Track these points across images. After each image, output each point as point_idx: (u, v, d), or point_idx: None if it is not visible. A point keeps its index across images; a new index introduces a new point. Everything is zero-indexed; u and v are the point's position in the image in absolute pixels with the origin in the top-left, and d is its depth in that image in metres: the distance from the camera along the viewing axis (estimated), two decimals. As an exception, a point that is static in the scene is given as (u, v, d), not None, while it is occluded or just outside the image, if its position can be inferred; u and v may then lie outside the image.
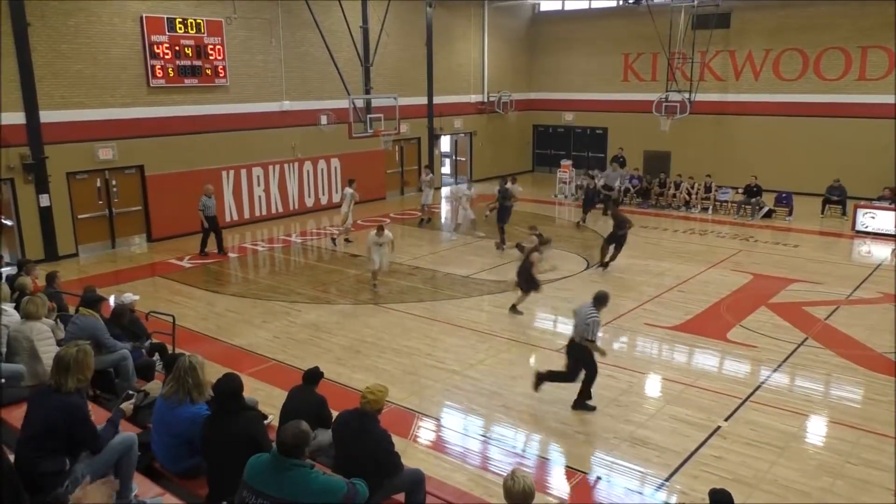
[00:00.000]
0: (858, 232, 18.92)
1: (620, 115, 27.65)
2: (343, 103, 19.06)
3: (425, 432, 8.45)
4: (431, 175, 21.48)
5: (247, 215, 19.99)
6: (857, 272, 15.25)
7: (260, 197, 20.42)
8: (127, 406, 5.64)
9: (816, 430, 8.64)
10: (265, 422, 6.44)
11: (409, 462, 6.39)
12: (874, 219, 18.83)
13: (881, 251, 17.40)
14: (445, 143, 28.63)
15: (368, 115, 19.13)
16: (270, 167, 20.65)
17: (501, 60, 28.77)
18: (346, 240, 17.63)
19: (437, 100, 25.51)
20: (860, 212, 19.11)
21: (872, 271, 15.43)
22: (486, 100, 28.11)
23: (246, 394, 5.80)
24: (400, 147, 24.96)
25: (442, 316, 12.46)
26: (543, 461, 7.84)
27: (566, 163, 25.46)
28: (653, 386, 9.83)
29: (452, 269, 15.54)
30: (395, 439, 6.05)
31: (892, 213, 18.61)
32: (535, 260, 12.23)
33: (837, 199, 21.08)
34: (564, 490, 7.26)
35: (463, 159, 28.71)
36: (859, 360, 10.51)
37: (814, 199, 21.57)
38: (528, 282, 12.35)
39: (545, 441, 8.20)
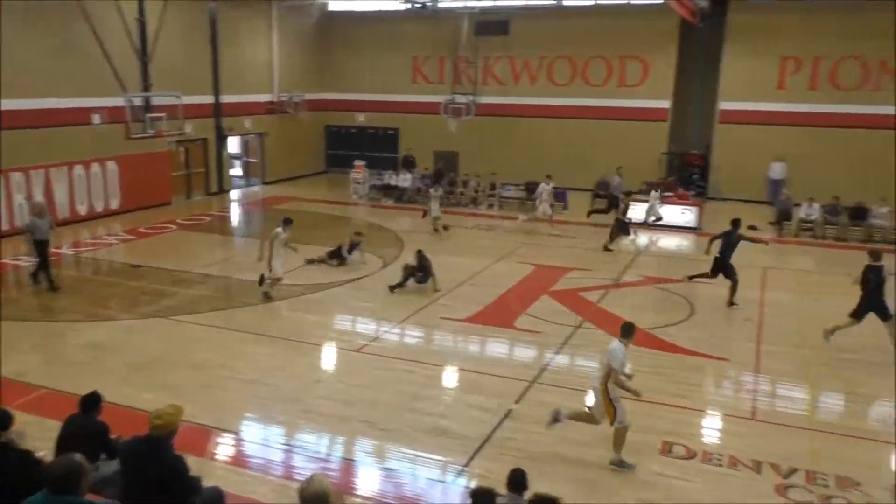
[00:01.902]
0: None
1: (411, 116, 28.42)
2: (120, 101, 17.64)
3: (224, 448, 8.13)
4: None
5: (6, 227, 17.77)
6: (622, 258, 17.00)
7: (21, 206, 18.22)
8: None
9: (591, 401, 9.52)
10: (37, 456, 5.82)
11: (207, 481, 6.13)
12: (635, 210, 21.03)
13: (642, 239, 19.56)
14: (235, 144, 27.59)
15: (148, 115, 17.91)
16: (33, 172, 18.55)
17: (292, 60, 28.28)
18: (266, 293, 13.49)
19: (224, 99, 24.49)
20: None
21: (635, 257, 17.30)
22: (276, 99, 27.49)
23: (17, 427, 5.22)
24: (185, 148, 23.63)
25: (238, 324, 12.03)
26: (349, 462, 7.88)
27: (359, 163, 25.65)
28: (450, 377, 10.25)
29: (247, 274, 15.03)
30: (192, 459, 5.77)
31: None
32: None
33: (604, 193, 23.33)
34: (371, 488, 7.36)
35: (255, 160, 27.84)
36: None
37: (584, 194, 23.68)
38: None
39: (349, 442, 8.24)
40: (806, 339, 11.85)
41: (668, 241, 19.52)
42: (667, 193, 21.56)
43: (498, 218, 21.88)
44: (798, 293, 14.55)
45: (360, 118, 30.16)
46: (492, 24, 25.88)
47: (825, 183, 21.27)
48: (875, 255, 11.45)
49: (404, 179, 24.59)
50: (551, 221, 19.81)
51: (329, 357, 10.96)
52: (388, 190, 24.77)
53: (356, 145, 30.01)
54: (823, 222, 19.82)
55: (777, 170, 23.79)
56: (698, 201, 21.73)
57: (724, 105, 24.66)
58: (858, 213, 19.77)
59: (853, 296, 11.88)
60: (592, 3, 24.98)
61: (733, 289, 13.36)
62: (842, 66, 23.01)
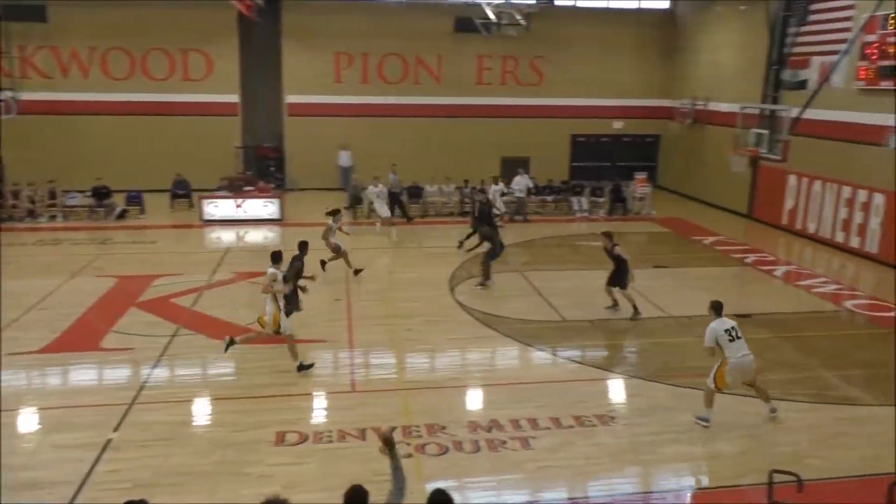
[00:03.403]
0: (206, 221, 20.64)
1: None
2: None
3: None
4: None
5: None
6: (211, 258, 16.68)
7: None
8: None
9: (202, 410, 9.27)
10: None
11: None
12: (217, 207, 20.84)
13: (229, 236, 19.43)
14: None
15: None
16: None
17: None
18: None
19: None
20: (205, 202, 20.86)
21: (224, 255, 17.13)
22: None
23: None
24: None
25: None
26: None
27: None
28: (28, 421, 8.89)
29: None
30: None
31: (232, 199, 20.92)
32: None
33: (183, 192, 22.51)
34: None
35: None
36: (224, 335, 11.61)
37: (162, 195, 22.52)
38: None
39: None
40: (388, 309, 13.24)
41: (255, 235, 19.76)
42: (248, 188, 21.73)
43: (65, 230, 19.46)
44: (375, 269, 16.10)
45: None
46: (24, 9, 22.63)
47: (387, 166, 23.83)
48: (609, 235, 13.17)
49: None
50: (389, 223, 19.44)
51: None
52: None
53: None
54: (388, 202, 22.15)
55: (344, 158, 25.81)
56: (279, 193, 22.40)
57: (290, 98, 25.72)
58: (415, 192, 22.59)
59: (424, 266, 13.66)
60: (141, -10, 23.59)
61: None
62: (386, 62, 25.88)
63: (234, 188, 21.69)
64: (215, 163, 24.01)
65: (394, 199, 21.15)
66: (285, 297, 10.83)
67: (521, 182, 22.06)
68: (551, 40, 26.14)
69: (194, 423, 8.89)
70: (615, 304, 13.18)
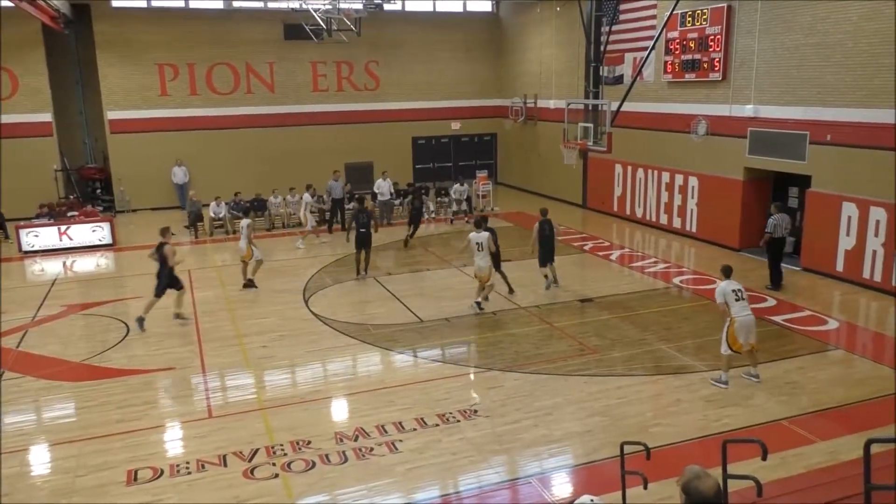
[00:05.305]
0: (26, 252, 18.86)
1: None
2: None
3: None
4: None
5: None
6: (35, 292, 15.27)
7: None
8: None
9: (40, 459, 8.46)
10: None
11: None
12: (38, 237, 19.10)
13: (54, 266, 17.87)
14: None
15: None
16: None
17: None
18: None
19: None
20: (23, 232, 19.04)
21: (50, 288, 15.74)
22: None
23: None
24: None
25: None
26: None
27: None
28: None
29: None
30: None
31: (55, 227, 19.25)
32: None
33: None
34: None
35: None
36: (62, 375, 10.73)
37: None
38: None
39: None
40: (240, 328, 12.76)
41: (86, 263, 18.31)
42: (72, 213, 20.11)
43: None
44: (223, 287, 15.47)
45: None
46: None
47: (225, 180, 22.96)
48: (543, 211, 14.46)
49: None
50: (315, 231, 19.87)
51: None
52: None
53: None
54: (231, 218, 21.34)
55: (179, 174, 24.56)
56: (108, 216, 20.91)
57: (112, 115, 24.07)
58: (259, 205, 21.92)
59: (275, 280, 13.21)
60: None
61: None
62: (215, 72, 24.90)
63: (56, 214, 20.02)
64: (32, 189, 22.07)
65: (338, 206, 21.08)
66: (493, 255, 13.35)
67: (383, 185, 22.05)
68: (384, 45, 26.37)
69: (32, 474, 8.10)
70: (553, 281, 14.55)
